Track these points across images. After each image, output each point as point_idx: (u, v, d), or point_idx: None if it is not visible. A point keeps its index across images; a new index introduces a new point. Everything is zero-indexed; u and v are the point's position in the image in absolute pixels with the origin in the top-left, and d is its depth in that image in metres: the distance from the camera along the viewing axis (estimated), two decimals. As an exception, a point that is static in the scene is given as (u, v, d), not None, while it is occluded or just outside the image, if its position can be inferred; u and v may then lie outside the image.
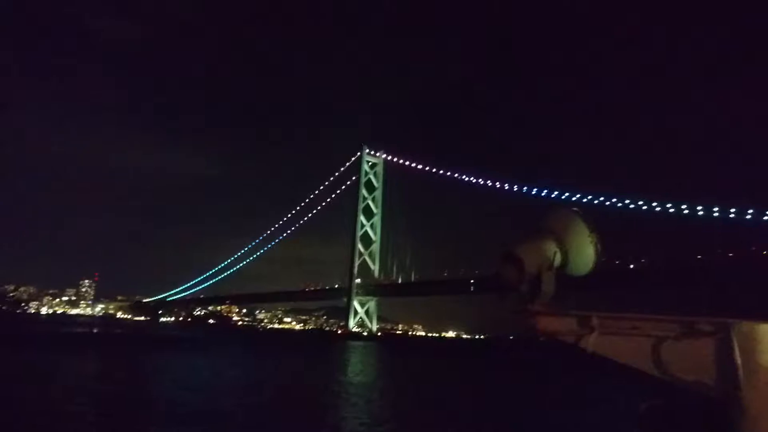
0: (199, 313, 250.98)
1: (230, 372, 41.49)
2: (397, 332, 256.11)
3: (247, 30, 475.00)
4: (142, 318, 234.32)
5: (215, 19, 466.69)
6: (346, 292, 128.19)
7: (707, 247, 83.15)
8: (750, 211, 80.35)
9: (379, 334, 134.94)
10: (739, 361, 2.45)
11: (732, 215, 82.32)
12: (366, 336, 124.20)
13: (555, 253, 2.76)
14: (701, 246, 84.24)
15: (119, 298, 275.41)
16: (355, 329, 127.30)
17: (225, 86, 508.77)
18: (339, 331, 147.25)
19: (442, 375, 51.86)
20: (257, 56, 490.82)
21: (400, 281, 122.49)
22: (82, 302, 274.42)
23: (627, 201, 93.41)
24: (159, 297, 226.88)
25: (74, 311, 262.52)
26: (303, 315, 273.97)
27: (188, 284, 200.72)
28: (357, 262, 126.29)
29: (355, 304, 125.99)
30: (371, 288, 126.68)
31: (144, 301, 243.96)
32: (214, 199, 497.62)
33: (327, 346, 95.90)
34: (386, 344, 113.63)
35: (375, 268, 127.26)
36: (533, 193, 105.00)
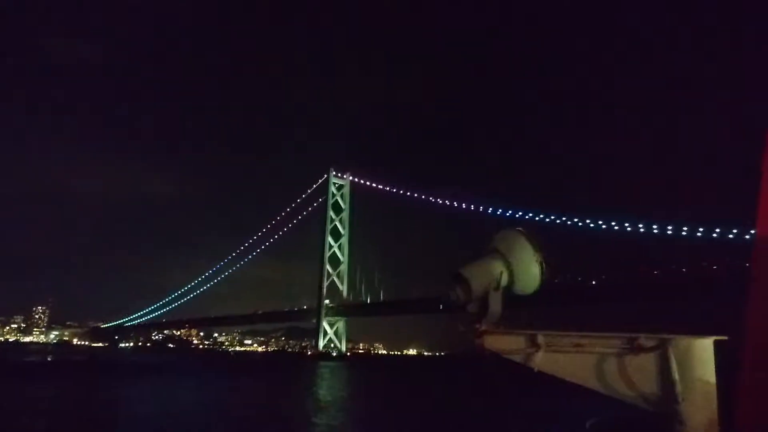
0: (157, 337, 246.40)
1: (216, 398, 41.56)
2: (360, 351, 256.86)
3: (213, 52, 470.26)
4: (100, 344, 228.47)
5: (175, 37, 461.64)
6: (315, 313, 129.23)
7: (661, 264, 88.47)
8: (701, 229, 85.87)
9: (348, 354, 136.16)
10: (676, 375, 2.52)
11: (684, 233, 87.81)
12: (335, 356, 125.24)
13: (501, 273, 2.82)
14: (656, 263, 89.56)
15: (68, 323, 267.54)
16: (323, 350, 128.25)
17: (188, 105, 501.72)
18: (309, 352, 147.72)
19: (422, 393, 53.41)
20: (219, 76, 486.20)
21: (368, 301, 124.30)
22: (35, 329, 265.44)
23: (588, 221, 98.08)
24: (117, 322, 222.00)
25: (27, 339, 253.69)
26: (260, 336, 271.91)
27: (147, 309, 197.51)
28: (326, 283, 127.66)
29: (325, 324, 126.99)
30: (340, 308, 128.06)
31: (101, 326, 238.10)
32: (173, 222, 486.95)
33: (298, 367, 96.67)
34: (355, 364, 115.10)
35: (343, 288, 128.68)
36: (498, 213, 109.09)
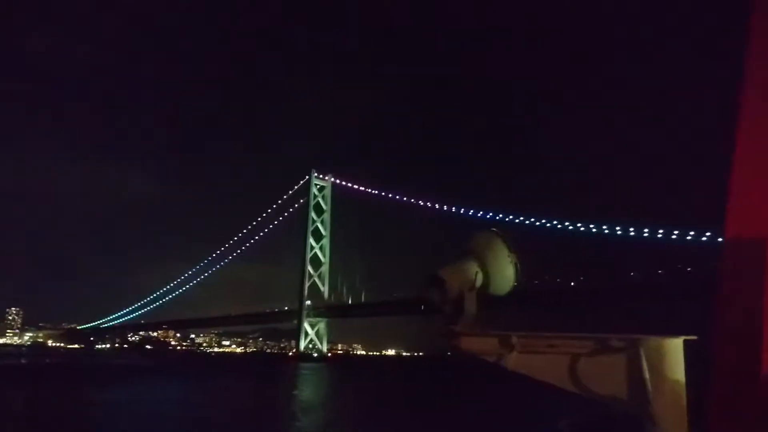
0: (134, 338, 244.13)
1: (205, 400, 42.48)
2: (339, 352, 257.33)
3: (193, 55, 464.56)
4: (76, 346, 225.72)
5: (154, 40, 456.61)
6: (296, 314, 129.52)
7: (638, 266, 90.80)
8: (675, 232, 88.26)
9: (329, 355, 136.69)
10: (647, 375, 2.53)
11: (660, 235, 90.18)
12: (316, 357, 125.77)
13: (476, 273, 2.82)
14: (633, 266, 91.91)
15: (40, 324, 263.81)
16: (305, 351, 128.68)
17: (166, 107, 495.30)
18: (290, 353, 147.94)
19: (406, 393, 54.16)
20: (200, 78, 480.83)
21: (350, 302, 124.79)
22: (8, 331, 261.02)
23: (567, 224, 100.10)
24: (93, 324, 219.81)
25: (1, 340, 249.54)
26: (237, 338, 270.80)
27: (125, 310, 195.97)
28: (307, 284, 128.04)
29: (306, 325, 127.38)
30: (321, 309, 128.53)
31: (78, 328, 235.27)
32: (151, 224, 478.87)
33: (279, 368, 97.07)
34: (336, 365, 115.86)
35: (325, 289, 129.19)
36: (479, 215, 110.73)
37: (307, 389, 60.47)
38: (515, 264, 2.87)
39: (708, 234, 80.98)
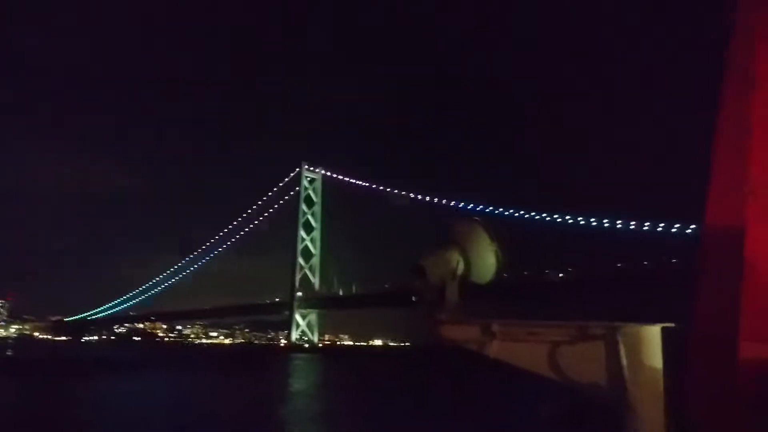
0: (122, 330, 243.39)
1: (206, 392, 42.43)
2: (326, 342, 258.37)
3: (184, 48, 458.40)
4: (63, 338, 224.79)
5: (147, 32, 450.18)
6: (287, 306, 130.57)
7: (625, 257, 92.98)
8: (661, 224, 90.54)
9: (320, 345, 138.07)
10: (625, 362, 2.56)
11: (646, 228, 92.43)
12: (308, 348, 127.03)
13: (458, 262, 2.84)
14: (619, 257, 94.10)
15: (24, 316, 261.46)
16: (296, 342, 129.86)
17: (154, 97, 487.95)
18: (282, 344, 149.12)
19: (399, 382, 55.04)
20: (190, 70, 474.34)
21: (341, 293, 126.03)
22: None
23: (556, 216, 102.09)
24: (81, 316, 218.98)
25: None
26: (223, 329, 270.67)
27: (112, 303, 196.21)
28: (298, 276, 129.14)
29: (297, 317, 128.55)
30: (313, 301, 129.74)
31: (65, 320, 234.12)
32: (139, 216, 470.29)
33: (272, 359, 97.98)
34: (327, 355, 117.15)
35: (316, 281, 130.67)
36: (468, 208, 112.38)
37: (305, 378, 61.66)
38: (496, 252, 2.90)
39: (693, 226, 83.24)
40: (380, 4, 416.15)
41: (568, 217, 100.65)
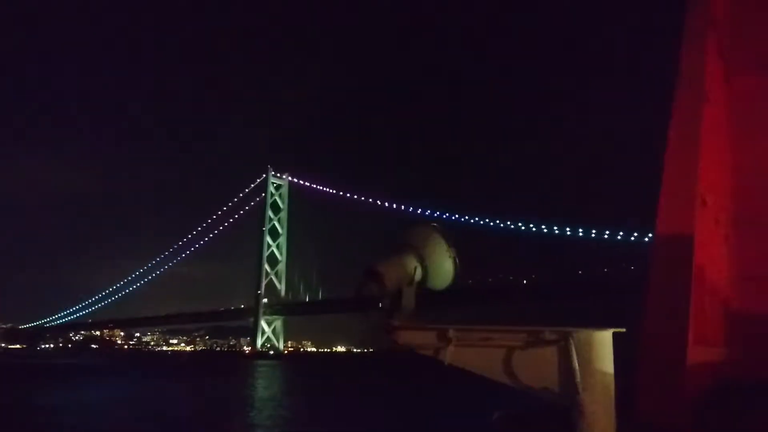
0: (78, 338, 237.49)
1: (168, 399, 42.28)
2: (289, 349, 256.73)
3: (145, 44, 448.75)
4: (17, 346, 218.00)
5: (108, 28, 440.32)
6: (252, 312, 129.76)
7: (585, 265, 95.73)
8: (621, 233, 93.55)
9: (285, 352, 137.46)
10: (576, 366, 2.59)
11: (606, 236, 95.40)
12: (273, 355, 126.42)
13: (415, 268, 2.83)
14: (580, 264, 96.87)
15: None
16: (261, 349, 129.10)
17: (114, 95, 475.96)
18: (247, 351, 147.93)
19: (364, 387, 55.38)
20: (151, 69, 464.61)
21: (307, 300, 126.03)
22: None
23: (520, 224, 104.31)
24: (37, 323, 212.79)
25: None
26: (183, 336, 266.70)
27: (70, 309, 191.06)
28: (264, 282, 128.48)
29: (263, 323, 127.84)
30: (278, 307, 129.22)
31: (20, 327, 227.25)
32: (95, 218, 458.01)
33: (236, 366, 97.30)
34: (292, 362, 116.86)
35: (282, 287, 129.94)
36: (427, 213, 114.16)
37: (272, 385, 61.71)
38: (454, 258, 2.90)
39: (650, 235, 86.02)
40: (349, 6, 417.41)
41: (531, 226, 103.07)
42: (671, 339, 3.17)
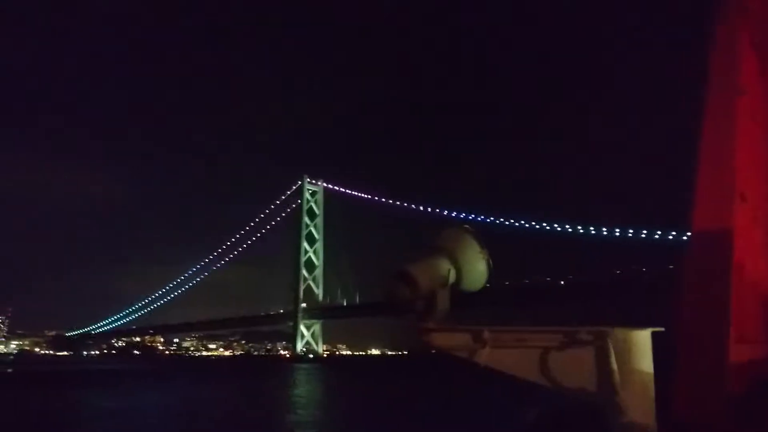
0: (121, 344, 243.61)
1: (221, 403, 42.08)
2: (325, 352, 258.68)
3: (181, 50, 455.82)
4: (64, 353, 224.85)
5: (140, 33, 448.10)
6: (291, 316, 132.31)
7: (619, 264, 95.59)
8: (658, 232, 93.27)
9: (325, 355, 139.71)
10: (615, 366, 2.54)
11: (630, 235, 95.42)
12: (312, 358, 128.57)
13: (449, 270, 2.76)
14: (614, 263, 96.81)
15: (18, 332, 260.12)
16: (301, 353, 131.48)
17: (155, 102, 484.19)
18: (286, 354, 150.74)
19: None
20: (192, 76, 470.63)
21: (345, 304, 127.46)
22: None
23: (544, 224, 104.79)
24: (82, 330, 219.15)
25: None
26: (219, 341, 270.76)
27: (115, 316, 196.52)
28: (302, 287, 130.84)
29: (302, 327, 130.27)
30: (316, 311, 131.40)
31: (66, 335, 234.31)
32: (136, 227, 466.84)
33: (278, 370, 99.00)
34: (329, 365, 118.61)
35: (319, 292, 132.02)
36: (461, 216, 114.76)
37: (314, 387, 63.25)
38: (487, 260, 2.84)
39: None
40: (382, 19, 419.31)
41: (567, 226, 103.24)
42: (711, 337, 3.12)
